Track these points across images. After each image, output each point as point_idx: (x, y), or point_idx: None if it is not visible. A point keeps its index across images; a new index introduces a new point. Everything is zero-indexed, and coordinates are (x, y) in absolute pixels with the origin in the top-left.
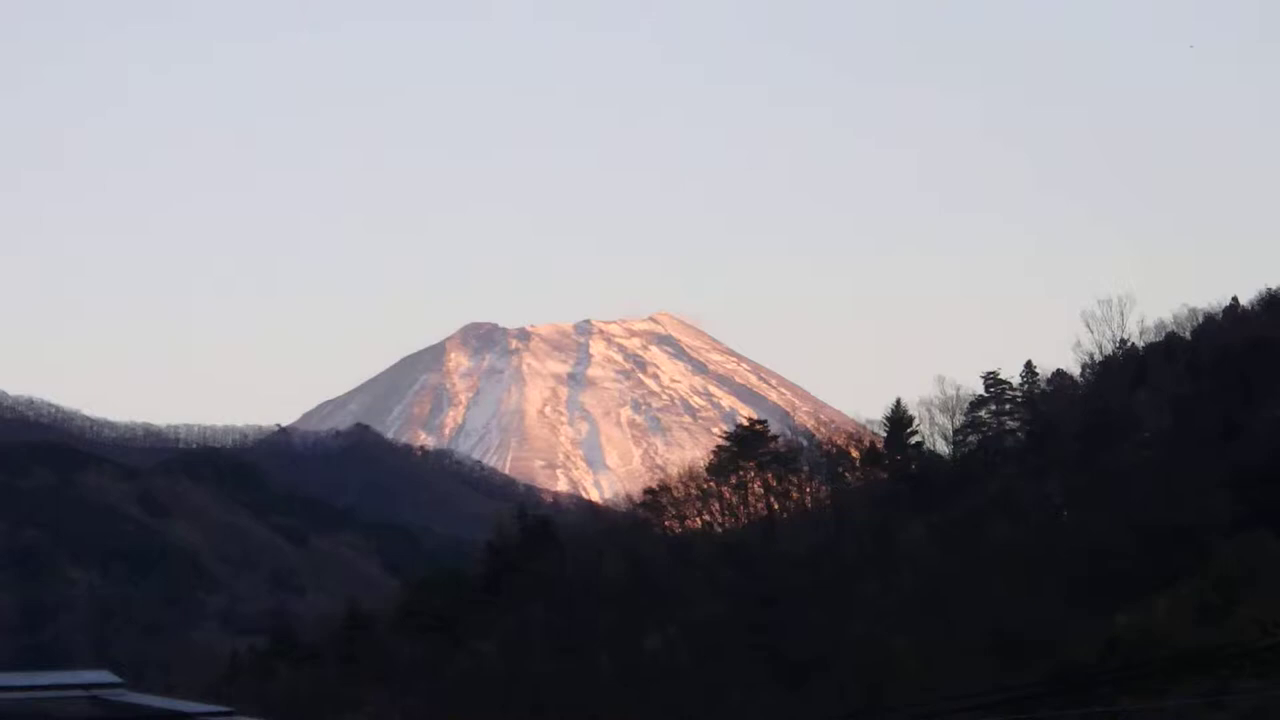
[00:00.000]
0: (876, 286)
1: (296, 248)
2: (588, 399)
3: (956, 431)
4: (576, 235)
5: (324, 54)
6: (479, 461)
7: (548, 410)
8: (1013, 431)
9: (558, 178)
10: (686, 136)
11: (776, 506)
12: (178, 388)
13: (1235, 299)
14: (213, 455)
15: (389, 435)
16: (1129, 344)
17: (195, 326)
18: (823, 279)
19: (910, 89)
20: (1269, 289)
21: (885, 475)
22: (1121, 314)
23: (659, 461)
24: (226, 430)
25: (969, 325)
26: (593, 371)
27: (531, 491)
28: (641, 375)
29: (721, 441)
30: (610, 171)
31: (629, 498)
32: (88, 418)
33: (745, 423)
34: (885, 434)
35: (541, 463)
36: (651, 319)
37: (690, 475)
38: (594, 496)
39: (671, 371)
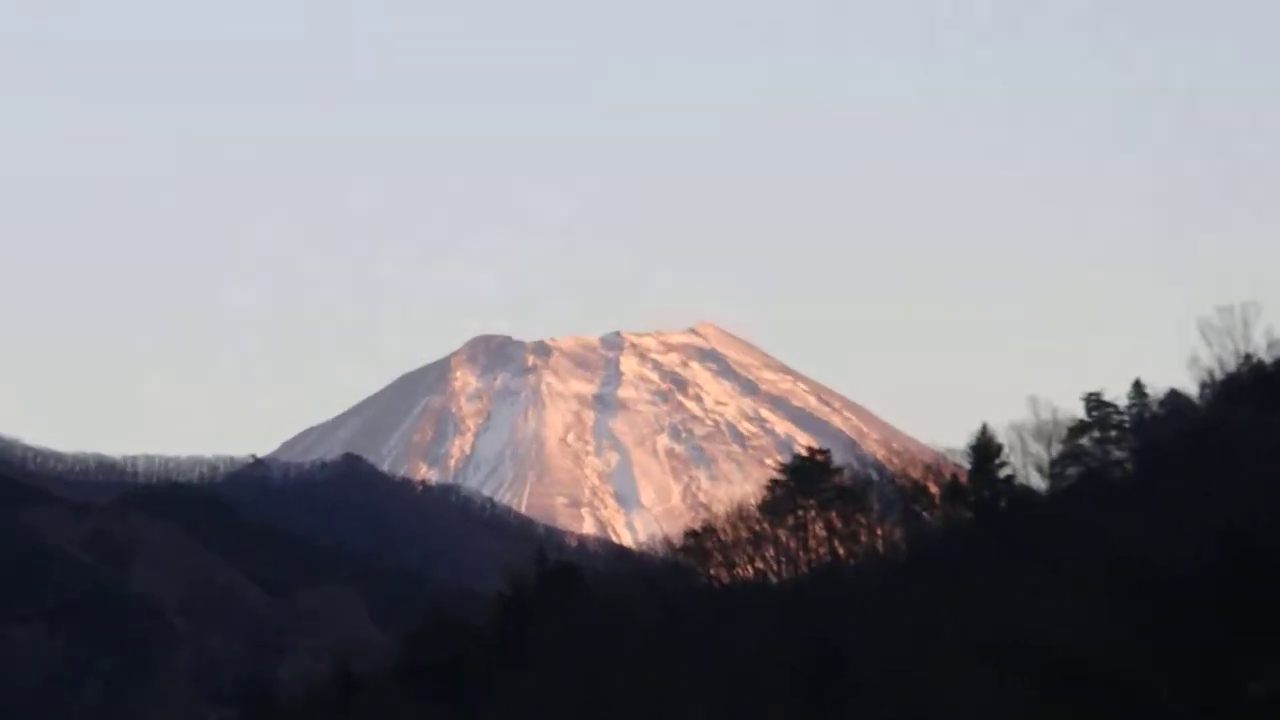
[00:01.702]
0: (957, 293)
1: (271, 249)
2: (618, 425)
3: (1053, 463)
4: (604, 234)
5: (319, 53)
6: (490, 498)
7: (571, 438)
8: (1120, 463)
9: (581, 169)
10: (732, 121)
11: (842, 552)
12: (134, 412)
13: None
14: (177, 491)
15: (384, 467)
16: (1254, 359)
17: (154, 342)
18: (893, 285)
19: (994, 90)
20: None
21: (970, 514)
22: (1245, 323)
23: (702, 498)
24: (193, 462)
25: (1066, 338)
26: (624, 392)
27: (552, 534)
28: (681, 397)
29: (776, 475)
30: (643, 160)
31: (667, 541)
32: (29, 447)
33: (804, 452)
34: (969, 466)
35: (564, 500)
36: (692, 330)
37: (739, 515)
38: (625, 540)
39: (716, 392)
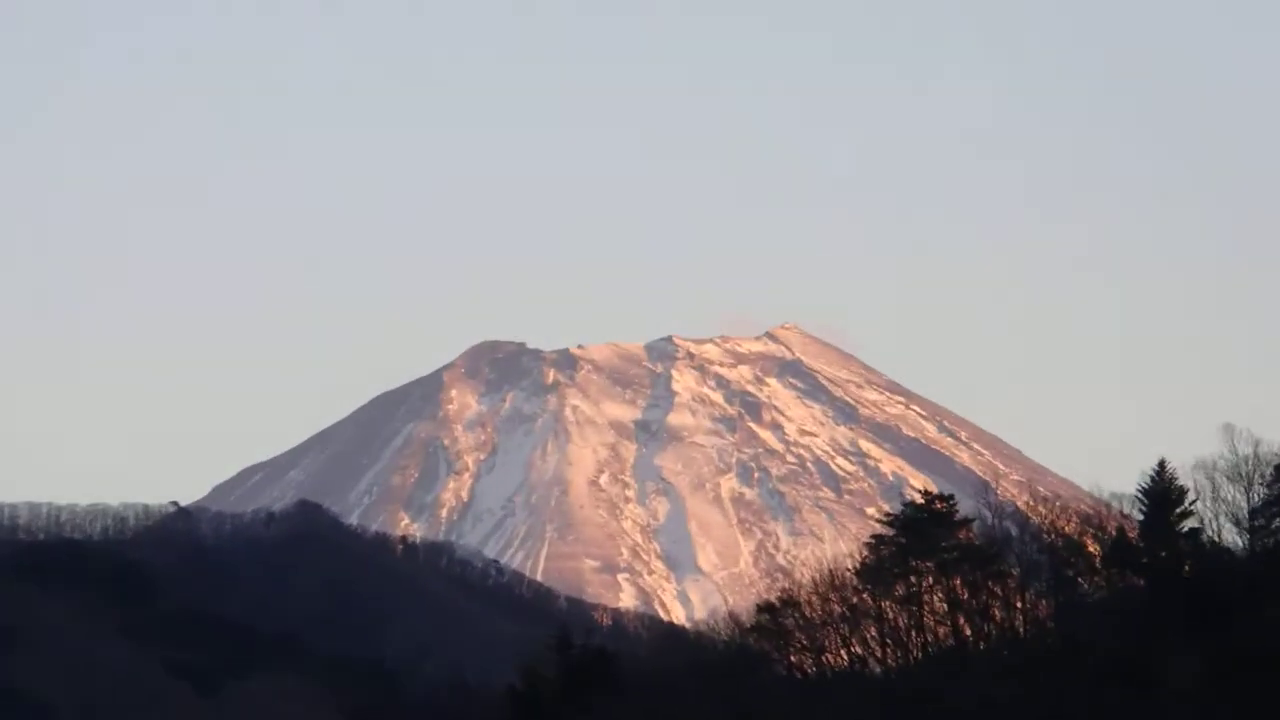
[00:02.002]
0: (1123, 293)
1: (201, 231)
2: (668, 462)
3: (1254, 513)
4: (647, 208)
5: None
6: (495, 561)
7: (605, 480)
8: None
9: (616, 124)
10: (820, 57)
11: (969, 632)
12: (14, 447)
13: None
14: (73, 551)
15: (352, 519)
16: None
17: (40, 355)
18: (1035, 278)
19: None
20: None
21: (1142, 582)
22: None
23: (781, 561)
24: (94, 512)
25: (1268, 350)
26: (676, 418)
27: (579, 608)
28: (754, 424)
29: (881, 529)
30: (703, 115)
31: (733, 618)
32: None
33: (919, 499)
34: (1142, 516)
35: (595, 563)
36: (769, 335)
37: (831, 583)
38: (677, 616)
39: (801, 418)
